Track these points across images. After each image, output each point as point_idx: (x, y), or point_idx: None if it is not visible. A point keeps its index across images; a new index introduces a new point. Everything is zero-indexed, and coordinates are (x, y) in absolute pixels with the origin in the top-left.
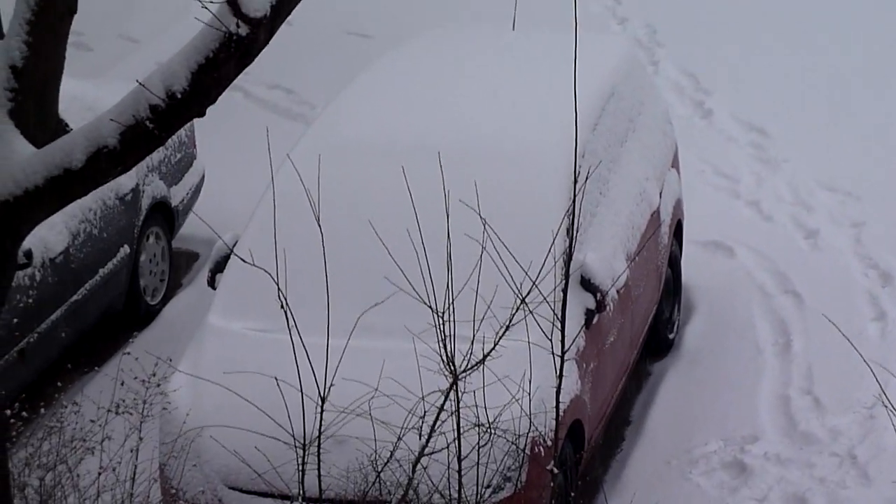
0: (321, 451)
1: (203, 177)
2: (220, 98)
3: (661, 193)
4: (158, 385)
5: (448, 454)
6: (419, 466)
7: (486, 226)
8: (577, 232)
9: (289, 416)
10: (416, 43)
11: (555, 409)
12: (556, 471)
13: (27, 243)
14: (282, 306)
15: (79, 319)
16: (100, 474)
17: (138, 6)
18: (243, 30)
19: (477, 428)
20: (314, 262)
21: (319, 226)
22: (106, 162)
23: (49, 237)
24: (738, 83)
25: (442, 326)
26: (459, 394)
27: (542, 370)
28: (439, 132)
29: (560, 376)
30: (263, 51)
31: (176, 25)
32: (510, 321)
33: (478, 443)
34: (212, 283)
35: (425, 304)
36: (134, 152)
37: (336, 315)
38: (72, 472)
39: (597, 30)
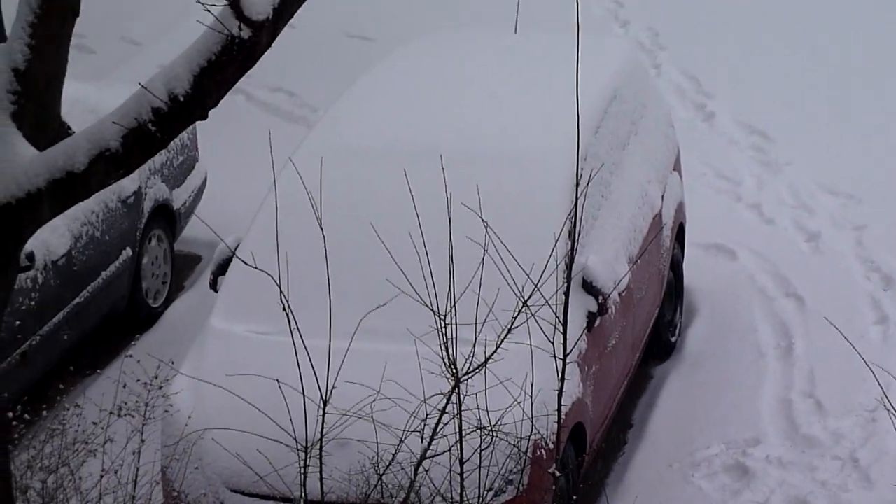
0: (323, 453)
1: (205, 179)
2: (222, 101)
3: (662, 196)
4: (160, 388)
5: (450, 457)
6: (421, 469)
7: (488, 228)
8: (578, 235)
9: (291, 419)
10: (417, 45)
11: (557, 412)
12: (557, 474)
13: (29, 246)
14: (284, 309)
15: (81, 322)
16: (102, 477)
17: (140, 9)
18: (245, 33)
19: (479, 431)
20: (316, 264)
21: (321, 229)
22: (108, 165)
23: (51, 240)
24: (740, 86)
25: (444, 329)
26: (461, 397)
27: (543, 373)
28: (441, 135)
29: (562, 379)
30: (265, 53)
31: (178, 28)
32: (512, 324)
33: (480, 446)
34: (214, 286)
35: (427, 306)
36: (136, 155)
37: (338, 318)
38: (74, 474)
39: (599, 32)
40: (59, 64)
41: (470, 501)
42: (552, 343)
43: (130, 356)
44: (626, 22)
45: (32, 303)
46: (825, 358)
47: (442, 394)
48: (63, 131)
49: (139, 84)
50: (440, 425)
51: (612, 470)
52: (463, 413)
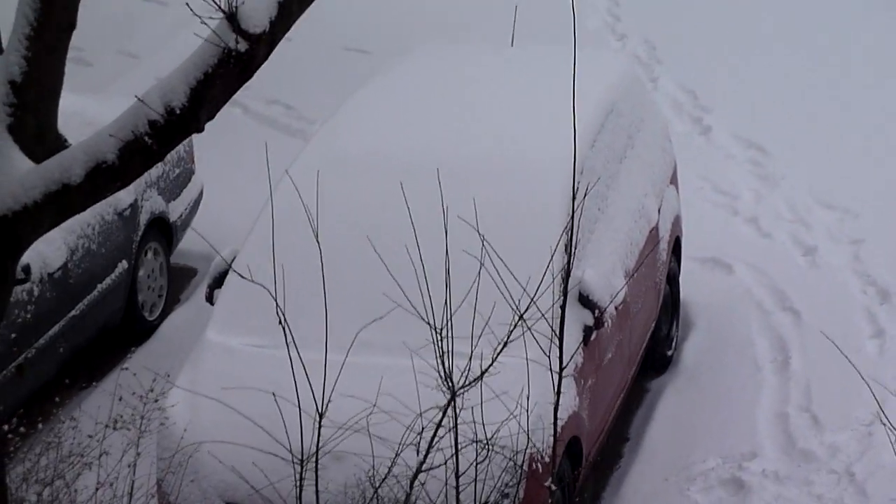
0: (319, 466)
1: (202, 192)
2: (218, 113)
3: (659, 210)
4: (156, 400)
5: (446, 470)
6: (417, 483)
7: (485, 242)
8: (575, 248)
9: (287, 432)
10: (414, 59)
11: (553, 426)
12: (553, 487)
13: (25, 258)
14: (280, 322)
15: (77, 335)
16: (97, 489)
17: (138, 22)
18: (242, 46)
19: (475, 444)
20: (312, 277)
21: (318, 241)
22: (105, 177)
23: (47, 252)
24: (737, 100)
25: (440, 342)
26: (457, 410)
27: (539, 387)
28: (438, 148)
29: (558, 393)
30: (262, 66)
31: (175, 41)
32: (508, 337)
33: (475, 459)
34: (210, 299)
35: (424, 320)
36: (133, 168)
37: (334, 331)
38: (69, 487)
39: (596, 46)
40: (55, 76)
41: None
42: (548, 356)
43: (126, 369)
44: (623, 35)
45: (28, 315)
46: (822, 372)
47: (438, 407)
48: (60, 144)
49: (136, 97)
50: (436, 439)
51: (608, 483)
52: (459, 426)
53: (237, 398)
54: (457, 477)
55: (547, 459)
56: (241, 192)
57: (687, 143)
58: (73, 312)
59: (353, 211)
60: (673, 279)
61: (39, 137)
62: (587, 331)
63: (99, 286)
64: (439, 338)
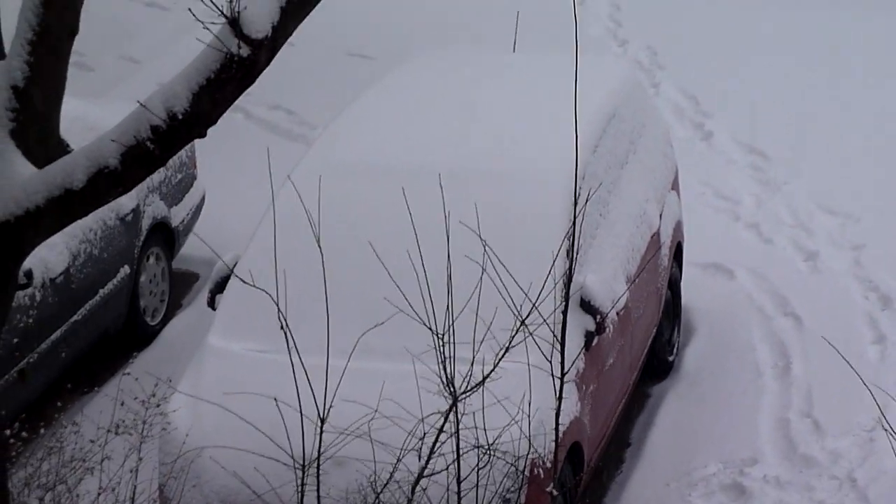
0: (320, 472)
1: (203, 197)
2: (220, 118)
3: (661, 215)
4: (158, 405)
5: (447, 476)
6: (418, 488)
7: (486, 247)
8: (576, 254)
9: (288, 437)
10: (416, 64)
11: (554, 431)
12: (555, 493)
13: (27, 263)
14: (282, 327)
15: (79, 339)
16: (99, 494)
17: (139, 27)
18: (244, 51)
19: (476, 450)
20: (314, 283)
21: (320, 247)
22: (107, 182)
23: (49, 257)
24: (738, 105)
25: (442, 348)
26: (459, 415)
27: (541, 392)
28: (440, 153)
29: (559, 398)
30: (264, 71)
31: (177, 46)
32: (510, 343)
33: (477, 464)
34: (212, 304)
35: (425, 325)
36: (135, 173)
37: (336, 336)
38: (71, 492)
39: (597, 52)
40: (58, 81)
41: None
42: (550, 362)
43: (128, 374)
44: (624, 41)
45: (30, 320)
46: (823, 377)
47: (439, 412)
48: (62, 149)
49: (138, 102)
50: (438, 444)
51: (609, 489)
52: (460, 432)
53: (239, 403)
54: (458, 482)
55: (548, 465)
56: (243, 197)
57: (688, 148)
58: (74, 317)
59: (355, 216)
60: (674, 284)
61: (42, 142)
62: (589, 336)
63: (101, 291)
64: (441, 343)
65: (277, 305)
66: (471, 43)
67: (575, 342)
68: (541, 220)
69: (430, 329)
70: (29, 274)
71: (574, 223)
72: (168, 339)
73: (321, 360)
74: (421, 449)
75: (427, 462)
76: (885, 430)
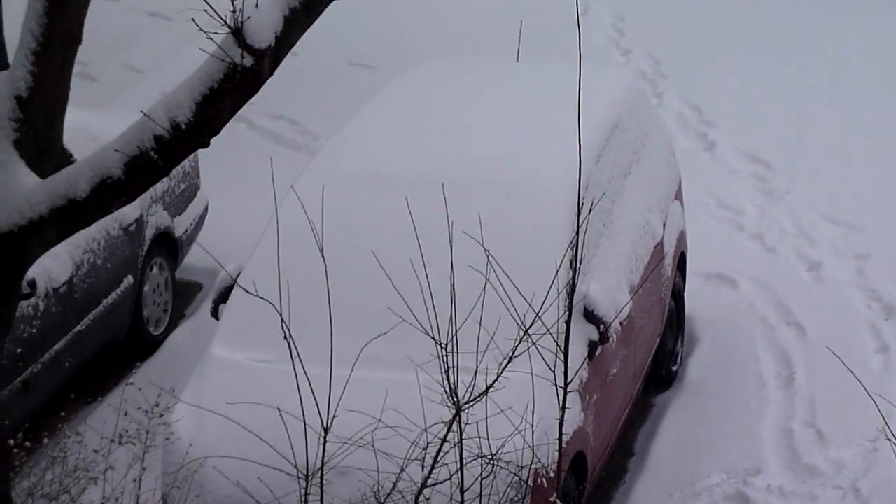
0: (324, 482)
1: (207, 207)
2: (223, 128)
3: (664, 225)
4: (161, 415)
5: (451, 486)
6: (422, 498)
7: (490, 257)
8: (580, 263)
9: (292, 447)
10: (419, 74)
11: (558, 441)
12: (558, 503)
13: (31, 273)
14: (285, 337)
15: (82, 349)
16: None
17: (143, 36)
18: (248, 61)
19: (480, 459)
20: (318, 292)
21: (323, 257)
22: (110, 192)
23: (53, 267)
24: (742, 115)
25: (445, 358)
26: (462, 425)
27: (544, 402)
28: (443, 163)
29: (563, 408)
30: (267, 81)
31: (180, 56)
32: (513, 353)
33: (480, 474)
34: (215, 314)
35: (429, 335)
36: (138, 183)
37: (339, 346)
38: (75, 502)
39: (600, 61)
40: (61, 91)
41: None
42: (553, 372)
43: (131, 384)
44: (627, 51)
45: (34, 330)
46: (826, 387)
47: (443, 422)
48: (65, 159)
49: (141, 112)
50: (441, 454)
51: (612, 499)
52: (464, 441)
53: (242, 413)
54: (462, 492)
55: (552, 475)
56: (247, 207)
57: (692, 158)
58: (78, 327)
59: (359, 226)
60: (678, 294)
61: (45, 152)
62: (592, 346)
63: (104, 301)
64: (444, 353)
65: (281, 315)
66: (474, 52)
67: (578, 352)
68: (544, 230)
69: (434, 339)
70: (32, 284)
71: (577, 233)
72: (171, 349)
73: (324, 370)
74: (424, 459)
75: (430, 472)
76: (889, 439)
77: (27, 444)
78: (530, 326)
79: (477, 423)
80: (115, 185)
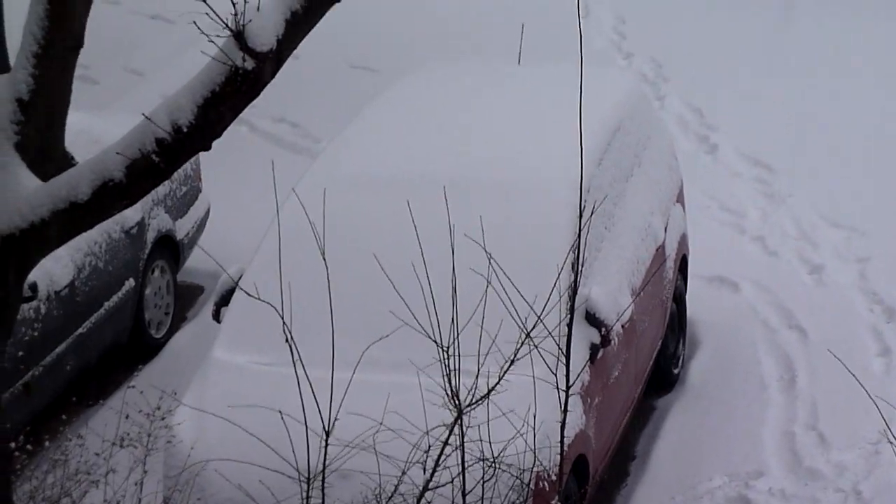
0: (325, 485)
1: (208, 210)
2: (225, 131)
3: (666, 228)
4: (163, 418)
5: (452, 489)
6: (423, 501)
7: (491, 260)
8: (582, 266)
9: (293, 450)
10: (421, 77)
11: (559, 444)
12: None
13: (32, 276)
14: (287, 340)
15: (84, 352)
16: None
17: (144, 39)
18: (249, 64)
19: (481, 462)
20: (319, 295)
21: (325, 259)
22: (112, 195)
23: (54, 270)
24: (744, 118)
25: (447, 360)
26: (464, 428)
27: (546, 405)
28: (445, 166)
29: (565, 411)
30: (269, 84)
31: (182, 59)
32: (515, 355)
33: (482, 477)
34: (217, 317)
35: (430, 338)
36: (140, 186)
37: (341, 349)
38: None
39: (602, 64)
40: (62, 94)
41: None
42: (555, 375)
43: (133, 387)
44: (629, 54)
45: (35, 333)
46: (828, 390)
47: (444, 425)
48: (66, 162)
49: (143, 115)
50: (443, 457)
51: (614, 502)
52: (465, 444)
53: (244, 416)
54: (463, 495)
55: (553, 478)
56: (248, 209)
57: (693, 161)
58: (80, 330)
59: (360, 229)
60: (679, 297)
61: (46, 155)
62: (594, 349)
63: (106, 304)
64: (446, 356)
65: (282, 318)
66: (475, 55)
67: (580, 355)
68: (546, 233)
69: (435, 342)
70: (34, 287)
71: (579, 236)
72: (173, 351)
73: (326, 373)
74: (426, 462)
75: (432, 475)
76: (891, 442)
77: (28, 447)
78: (532, 329)
79: (479, 426)
80: (117, 187)
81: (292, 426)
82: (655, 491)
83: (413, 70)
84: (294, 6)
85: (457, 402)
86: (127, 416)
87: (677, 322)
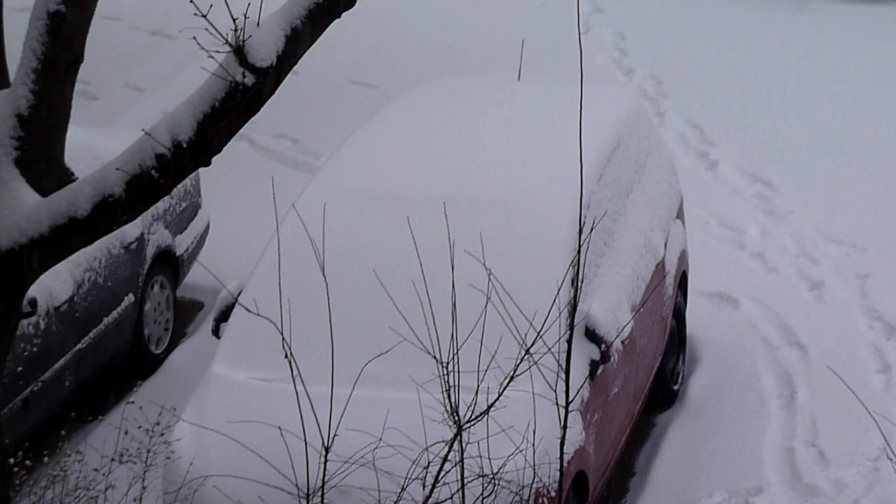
0: (325, 501)
1: (208, 226)
2: (225, 147)
3: (666, 244)
4: (162, 434)
5: None
6: None
7: (491, 276)
8: (581, 282)
9: (292, 466)
10: (421, 92)
11: (559, 460)
12: None
13: (32, 291)
14: (286, 356)
15: (83, 368)
16: None
17: (144, 55)
18: (249, 79)
19: (481, 479)
20: (319, 311)
21: (324, 275)
22: (111, 211)
23: (54, 286)
24: (744, 135)
25: (446, 376)
26: (463, 444)
27: (546, 421)
28: (444, 182)
29: (564, 427)
30: (269, 100)
31: (182, 74)
32: (514, 372)
33: (482, 493)
34: (216, 333)
35: (430, 354)
36: (140, 201)
37: (340, 364)
38: None
39: (602, 80)
40: (62, 110)
41: None
42: (554, 391)
43: (132, 402)
44: (629, 70)
45: (35, 349)
46: (828, 407)
47: (444, 441)
48: (66, 177)
49: (143, 130)
50: (442, 473)
51: None
52: (465, 461)
53: (243, 432)
54: None
55: (553, 494)
56: (248, 225)
57: (693, 177)
58: (79, 346)
59: (360, 245)
60: (679, 314)
61: (46, 171)
62: (593, 365)
63: (105, 319)
64: (445, 372)
65: (282, 334)
66: (475, 71)
67: (580, 371)
68: (545, 249)
69: (435, 358)
70: (33, 302)
71: (579, 252)
72: (172, 367)
73: (325, 389)
74: (425, 478)
75: (431, 491)
76: (890, 459)
77: (27, 462)
78: (531, 345)
79: (478, 442)
80: (117, 203)
81: (292, 442)
82: None
83: (413, 86)
84: (294, 22)
85: (456, 418)
86: (126, 432)
87: (677, 338)
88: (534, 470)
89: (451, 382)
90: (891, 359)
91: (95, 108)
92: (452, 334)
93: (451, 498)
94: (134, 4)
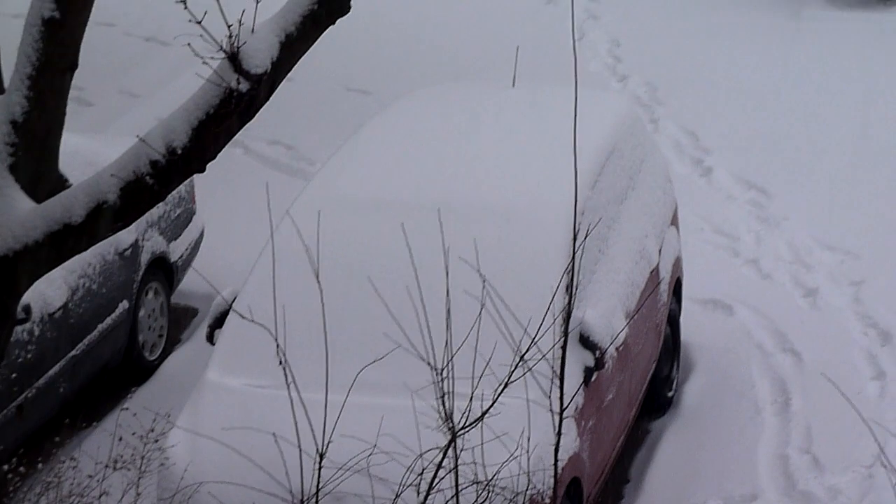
0: None
1: (202, 232)
2: (219, 153)
3: (660, 251)
4: (156, 441)
5: None
6: None
7: (486, 283)
8: (576, 289)
9: (287, 473)
10: (415, 99)
11: (553, 467)
12: None
13: (26, 298)
14: (280, 362)
15: (77, 374)
16: None
17: (139, 61)
18: (244, 86)
19: (475, 485)
20: (313, 318)
21: (319, 282)
22: (106, 217)
23: (48, 292)
24: (738, 141)
25: (441, 383)
26: (458, 451)
27: (540, 427)
28: (439, 189)
29: (559, 434)
30: (264, 106)
31: (177, 81)
32: (509, 378)
33: (476, 500)
34: (210, 339)
35: (424, 360)
36: (134, 208)
37: (335, 371)
38: None
39: (597, 87)
40: (57, 116)
41: None
42: (549, 397)
43: (126, 409)
44: (624, 77)
45: (29, 355)
46: (822, 414)
47: (438, 448)
48: (61, 184)
49: (137, 137)
50: (436, 479)
51: None
52: (459, 467)
53: (237, 439)
54: None
55: (547, 501)
56: (242, 232)
57: (687, 184)
58: (73, 352)
59: (354, 251)
60: (673, 320)
61: (41, 177)
62: (588, 372)
63: (99, 326)
64: (440, 378)
65: (276, 340)
66: (470, 78)
67: (574, 378)
68: (540, 256)
69: (429, 364)
70: (27, 309)
71: (573, 259)
72: (167, 374)
73: (320, 396)
74: (420, 484)
75: (426, 498)
76: (885, 466)
77: (21, 469)
78: (526, 352)
79: (472, 448)
80: (111, 209)
81: (286, 448)
82: None
83: (408, 93)
84: (289, 28)
85: (451, 424)
86: (120, 439)
87: (671, 345)
88: (528, 477)
89: (446, 389)
90: (885, 365)
91: (90, 114)
92: (447, 341)
93: None
94: (129, 11)
